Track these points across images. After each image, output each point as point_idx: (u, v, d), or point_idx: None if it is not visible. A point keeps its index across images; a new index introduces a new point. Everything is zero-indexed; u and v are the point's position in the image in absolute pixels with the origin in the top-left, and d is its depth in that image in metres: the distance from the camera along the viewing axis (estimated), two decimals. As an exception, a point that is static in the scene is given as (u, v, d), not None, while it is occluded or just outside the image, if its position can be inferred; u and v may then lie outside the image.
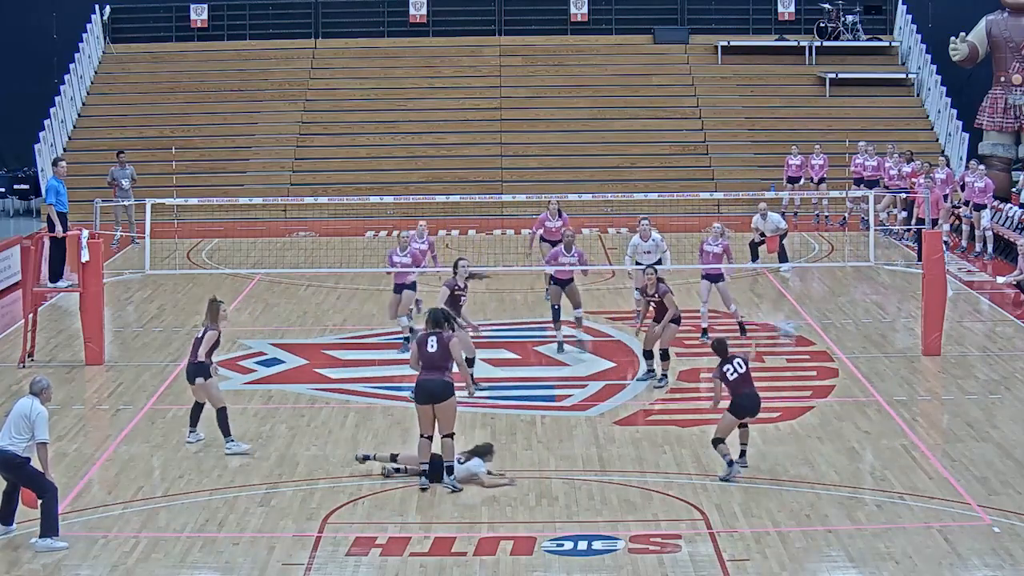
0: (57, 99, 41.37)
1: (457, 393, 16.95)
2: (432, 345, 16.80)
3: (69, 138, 41.59)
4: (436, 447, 16.86)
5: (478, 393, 20.58)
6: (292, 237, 35.78)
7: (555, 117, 42.53)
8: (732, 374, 17.26)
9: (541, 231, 26.99)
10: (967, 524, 15.60)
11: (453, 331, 17.54)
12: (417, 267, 23.74)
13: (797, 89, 43.77)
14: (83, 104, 42.93)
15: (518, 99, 43.28)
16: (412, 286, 23.75)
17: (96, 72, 43.99)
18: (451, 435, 16.75)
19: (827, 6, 44.76)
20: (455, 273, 21.36)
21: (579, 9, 45.40)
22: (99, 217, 26.06)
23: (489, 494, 16.63)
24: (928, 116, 42.35)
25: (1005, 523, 15.62)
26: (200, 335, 18.58)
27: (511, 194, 36.75)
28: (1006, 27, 38.97)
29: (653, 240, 24.58)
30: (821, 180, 36.73)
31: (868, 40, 44.80)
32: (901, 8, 44.90)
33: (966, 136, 39.72)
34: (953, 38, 39.69)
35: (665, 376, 21.44)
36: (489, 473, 17.02)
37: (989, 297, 28.13)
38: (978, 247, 32.50)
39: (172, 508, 16.40)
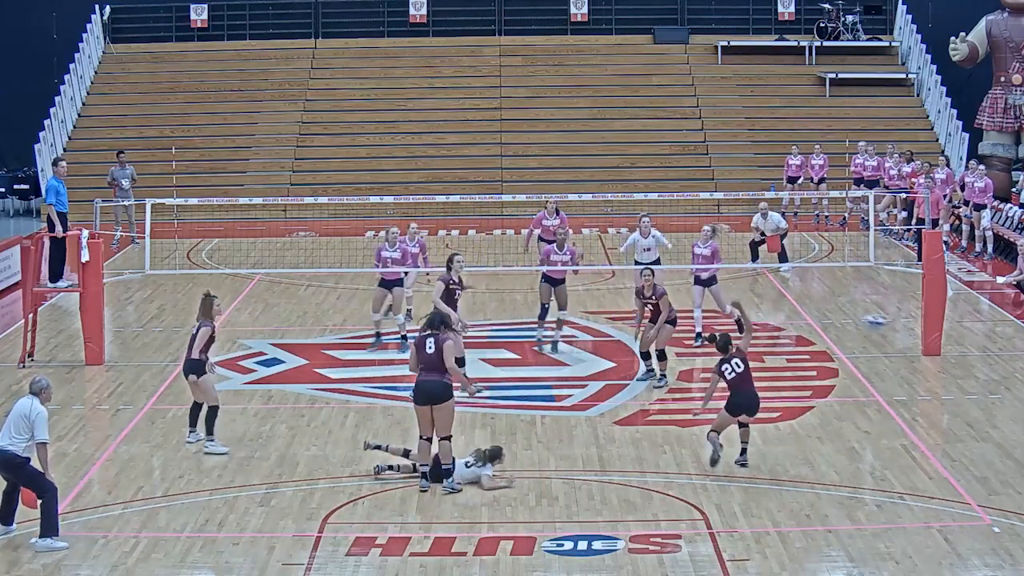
0: (57, 99, 41.35)
1: (457, 395, 16.93)
2: (430, 347, 16.81)
3: (69, 138, 41.58)
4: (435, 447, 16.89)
5: (479, 393, 20.59)
6: (292, 237, 35.74)
7: (555, 117, 42.51)
8: (730, 373, 17.26)
9: (538, 230, 26.96)
10: (967, 524, 15.59)
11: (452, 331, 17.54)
12: (405, 264, 23.74)
13: (797, 89, 43.75)
14: (83, 104, 42.91)
15: (518, 99, 43.26)
16: (400, 283, 23.75)
17: (96, 72, 43.97)
18: (448, 437, 16.73)
19: (827, 6, 44.73)
20: (449, 268, 21.39)
21: (579, 9, 45.37)
22: (99, 217, 26.08)
23: (489, 495, 16.62)
24: (928, 116, 42.32)
25: (1005, 523, 15.61)
26: (194, 331, 18.57)
27: (511, 194, 36.72)
28: (1006, 27, 38.95)
29: (653, 236, 24.63)
30: (821, 180, 36.70)
31: (868, 40, 44.77)
32: (901, 8, 44.87)
33: (966, 136, 39.70)
34: (953, 38, 39.67)
35: (664, 376, 21.44)
36: (493, 476, 16.99)
37: (989, 297, 28.11)
38: (978, 247, 32.48)
39: (172, 508, 16.39)
